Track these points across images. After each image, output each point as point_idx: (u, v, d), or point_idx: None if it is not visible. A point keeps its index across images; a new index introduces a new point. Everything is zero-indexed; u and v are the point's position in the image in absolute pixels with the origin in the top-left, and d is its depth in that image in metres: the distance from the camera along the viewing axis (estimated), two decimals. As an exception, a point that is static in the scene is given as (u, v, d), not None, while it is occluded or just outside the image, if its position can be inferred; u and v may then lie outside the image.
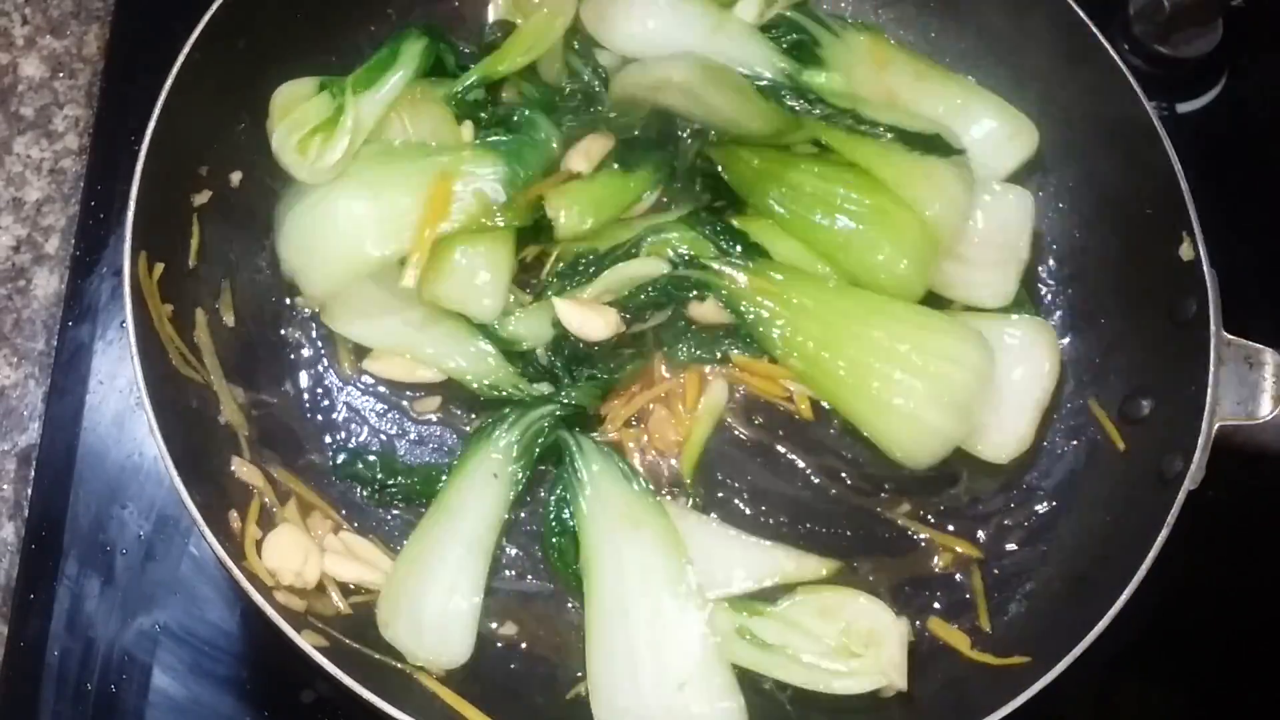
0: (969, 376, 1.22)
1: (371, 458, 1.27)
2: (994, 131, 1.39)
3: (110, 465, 1.32)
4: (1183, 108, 1.61)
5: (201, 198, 1.27)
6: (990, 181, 1.36)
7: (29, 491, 1.32)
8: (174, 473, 1.08)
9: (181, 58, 1.22)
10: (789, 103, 1.29)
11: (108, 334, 1.37)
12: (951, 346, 1.23)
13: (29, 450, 1.35)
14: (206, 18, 1.23)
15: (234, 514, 1.16)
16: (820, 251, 1.31)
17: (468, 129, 1.33)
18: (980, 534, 1.28)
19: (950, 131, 1.31)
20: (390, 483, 1.26)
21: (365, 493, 1.26)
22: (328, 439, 1.29)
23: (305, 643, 1.05)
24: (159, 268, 1.19)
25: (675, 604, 1.16)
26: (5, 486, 1.34)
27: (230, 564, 1.08)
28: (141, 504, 1.30)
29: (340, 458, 1.27)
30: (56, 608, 1.26)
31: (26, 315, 1.42)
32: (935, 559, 1.27)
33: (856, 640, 1.17)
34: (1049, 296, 1.40)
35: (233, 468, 1.20)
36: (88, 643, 1.25)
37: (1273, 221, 1.57)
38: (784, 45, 1.37)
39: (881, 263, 1.28)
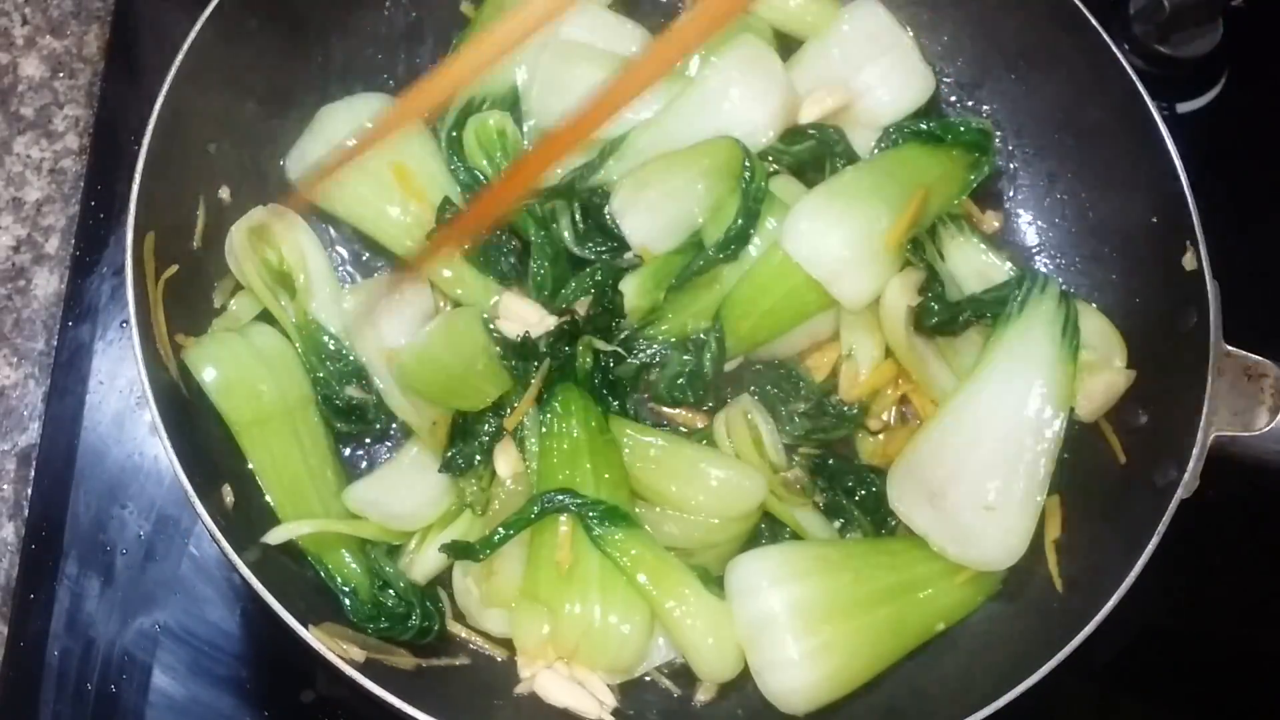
0: None
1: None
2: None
3: (110, 465, 1.32)
4: (1183, 108, 1.61)
5: (209, 180, 1.26)
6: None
7: (29, 491, 1.32)
8: (170, 448, 1.08)
9: (193, 34, 1.20)
10: None
11: (108, 334, 1.37)
12: None
13: (29, 450, 1.35)
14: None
15: (227, 488, 1.15)
16: None
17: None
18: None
19: None
20: None
21: None
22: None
23: (311, 636, 1.05)
24: (171, 269, 1.19)
25: (1032, 427, 1.19)
26: (5, 486, 1.34)
27: (227, 548, 1.06)
28: (141, 504, 1.30)
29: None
30: (56, 608, 1.26)
31: (26, 315, 1.42)
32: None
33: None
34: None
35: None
36: (88, 643, 1.25)
37: (1273, 222, 1.57)
38: None
39: None
